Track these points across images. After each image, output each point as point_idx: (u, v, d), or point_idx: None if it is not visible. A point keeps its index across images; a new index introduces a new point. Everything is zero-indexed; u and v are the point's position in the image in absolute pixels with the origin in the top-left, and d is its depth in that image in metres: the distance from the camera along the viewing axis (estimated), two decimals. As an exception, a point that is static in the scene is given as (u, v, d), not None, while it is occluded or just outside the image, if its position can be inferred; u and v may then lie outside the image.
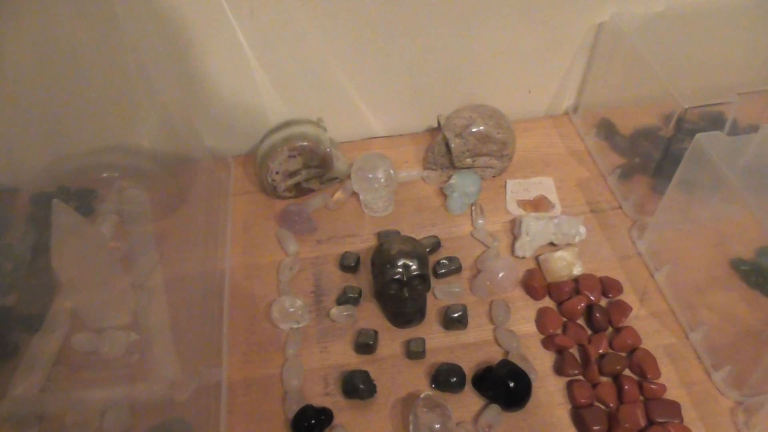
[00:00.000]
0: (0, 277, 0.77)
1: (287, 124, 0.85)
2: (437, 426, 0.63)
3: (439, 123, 0.85)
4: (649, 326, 0.73)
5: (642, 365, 0.69)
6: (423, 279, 0.73)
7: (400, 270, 0.72)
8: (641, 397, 0.68)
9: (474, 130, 0.83)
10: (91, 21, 0.73)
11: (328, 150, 0.83)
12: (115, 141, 0.86)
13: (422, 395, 0.65)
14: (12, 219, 0.84)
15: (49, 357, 0.70)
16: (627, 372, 0.70)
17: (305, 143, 0.82)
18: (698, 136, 0.67)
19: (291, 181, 0.85)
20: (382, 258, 0.73)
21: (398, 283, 0.72)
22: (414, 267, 0.72)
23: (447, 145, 0.85)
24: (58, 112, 0.81)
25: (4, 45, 0.73)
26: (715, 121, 0.75)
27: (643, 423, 0.65)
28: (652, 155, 0.80)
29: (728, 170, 0.64)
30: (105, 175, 0.87)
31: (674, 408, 0.66)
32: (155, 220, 0.84)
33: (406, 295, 0.72)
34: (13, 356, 0.70)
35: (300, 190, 0.87)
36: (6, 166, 0.84)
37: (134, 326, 0.73)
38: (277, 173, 0.83)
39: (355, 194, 0.87)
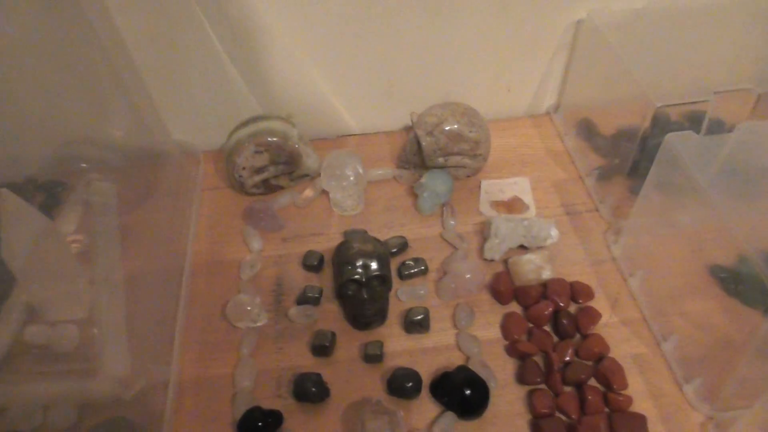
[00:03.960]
0: (-41, 269, 0.76)
1: (255, 119, 0.83)
2: (385, 433, 0.60)
3: (412, 121, 0.83)
4: (618, 334, 0.70)
5: (608, 375, 0.66)
6: (383, 280, 0.70)
7: (360, 270, 0.70)
8: (606, 409, 0.65)
9: (446, 128, 0.80)
10: (59, 13, 0.72)
11: (296, 146, 0.82)
12: (85, 133, 0.86)
13: (373, 401, 0.63)
14: (-23, 210, 0.84)
15: (0, 349, 0.69)
16: (592, 381, 0.67)
17: (272, 139, 0.81)
18: (669, 135, 0.64)
19: (258, 178, 0.83)
20: (341, 257, 0.71)
21: (357, 283, 0.70)
22: (374, 267, 0.70)
23: (419, 144, 0.82)
24: (27, 104, 0.80)
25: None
26: (697, 122, 0.72)
27: (605, 436, 0.62)
28: (631, 156, 0.77)
29: (698, 172, 0.61)
30: (83, 165, 0.87)
31: (640, 421, 0.63)
32: (121, 213, 0.83)
33: (365, 296, 0.70)
34: (-36, 348, 0.69)
35: (269, 187, 0.85)
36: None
37: (90, 321, 0.72)
38: (243, 169, 0.82)
39: (325, 192, 0.85)
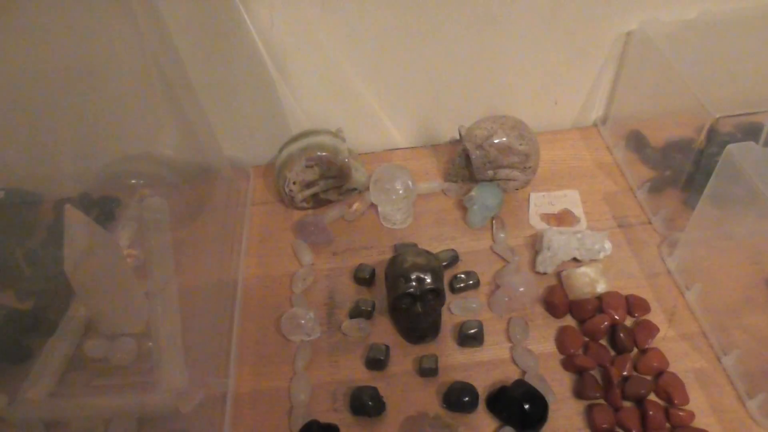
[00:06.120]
0: (19, 282, 0.78)
1: (305, 134, 0.84)
2: (445, 447, 0.60)
3: (460, 134, 0.83)
4: (677, 348, 0.69)
5: (669, 390, 0.65)
6: (437, 293, 0.70)
7: (414, 284, 0.69)
8: (667, 425, 0.64)
9: (495, 141, 0.80)
10: (115, 33, 0.74)
11: (346, 160, 0.82)
12: (139, 150, 0.88)
13: (431, 415, 0.63)
14: (36, 225, 0.86)
15: (60, 362, 0.70)
16: (652, 397, 0.66)
17: (322, 153, 0.81)
18: (729, 146, 0.63)
19: (308, 192, 0.84)
20: (395, 271, 0.71)
21: (411, 297, 0.69)
22: (428, 281, 0.70)
23: (467, 157, 0.82)
24: (84, 121, 0.82)
25: (34, 56, 0.75)
26: (752, 133, 0.71)
27: (668, 452, 0.61)
28: (684, 168, 0.76)
29: (762, 183, 0.60)
30: (133, 181, 0.88)
31: (703, 437, 0.62)
32: (174, 228, 0.84)
33: (419, 309, 0.69)
34: (26, 361, 0.71)
35: (318, 201, 0.86)
36: (31, 173, 0.86)
37: (147, 334, 0.73)
38: (294, 183, 0.83)
39: (373, 206, 0.85)
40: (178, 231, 0.84)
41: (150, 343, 0.72)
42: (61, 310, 0.75)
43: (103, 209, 0.87)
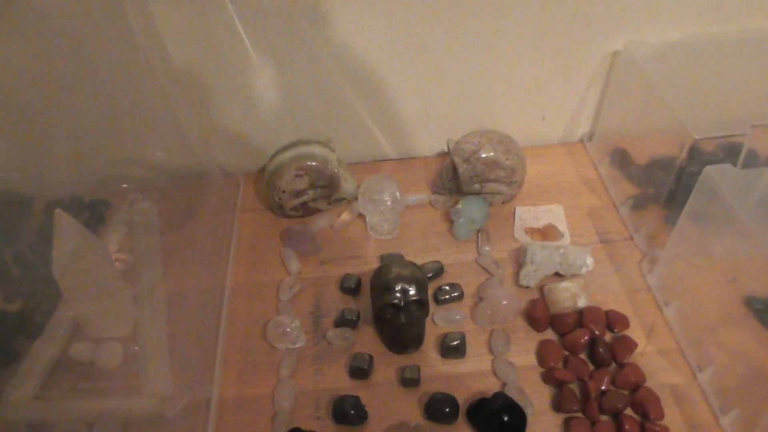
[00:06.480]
0: (7, 283, 0.79)
1: (296, 143, 0.85)
2: (424, 457, 0.61)
3: (448, 147, 0.84)
4: (655, 364, 0.71)
5: (645, 404, 0.66)
6: (421, 305, 0.71)
7: (398, 295, 0.70)
8: (643, 439, 0.65)
9: (482, 155, 0.82)
10: (110, 38, 0.75)
11: (336, 171, 0.83)
12: (132, 154, 0.88)
13: (412, 425, 0.64)
14: (25, 227, 0.86)
15: (46, 365, 0.71)
16: (629, 411, 0.67)
17: (313, 163, 0.82)
18: (707, 168, 0.65)
19: (298, 201, 0.85)
20: (380, 282, 0.72)
21: (395, 308, 0.71)
22: (412, 292, 0.71)
23: (455, 170, 0.84)
24: (77, 124, 0.83)
25: (28, 58, 0.75)
26: (732, 153, 0.73)
27: (642, 466, 0.62)
28: (666, 186, 0.77)
29: (737, 205, 0.62)
30: (124, 186, 0.89)
31: (678, 452, 0.64)
32: (163, 233, 0.85)
33: (403, 320, 0.71)
34: (12, 362, 0.71)
35: (307, 210, 0.87)
36: (23, 175, 0.87)
37: (133, 338, 0.73)
38: (284, 192, 0.84)
39: (361, 216, 0.86)
40: (168, 236, 0.85)
41: (136, 348, 0.73)
42: (48, 313, 0.75)
43: (94, 212, 0.88)
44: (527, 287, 0.78)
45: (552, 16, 0.80)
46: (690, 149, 0.71)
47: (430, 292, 0.77)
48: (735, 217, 0.62)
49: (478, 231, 0.84)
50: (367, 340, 0.74)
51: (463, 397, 0.68)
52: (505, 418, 0.64)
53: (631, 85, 0.84)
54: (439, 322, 0.75)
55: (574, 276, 0.78)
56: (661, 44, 0.81)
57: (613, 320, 0.74)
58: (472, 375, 0.71)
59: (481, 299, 0.76)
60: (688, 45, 0.81)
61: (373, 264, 0.82)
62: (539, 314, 0.74)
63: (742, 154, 0.70)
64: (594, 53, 0.86)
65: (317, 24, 0.79)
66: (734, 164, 0.70)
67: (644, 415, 0.66)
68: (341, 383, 0.71)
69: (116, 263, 0.79)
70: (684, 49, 0.81)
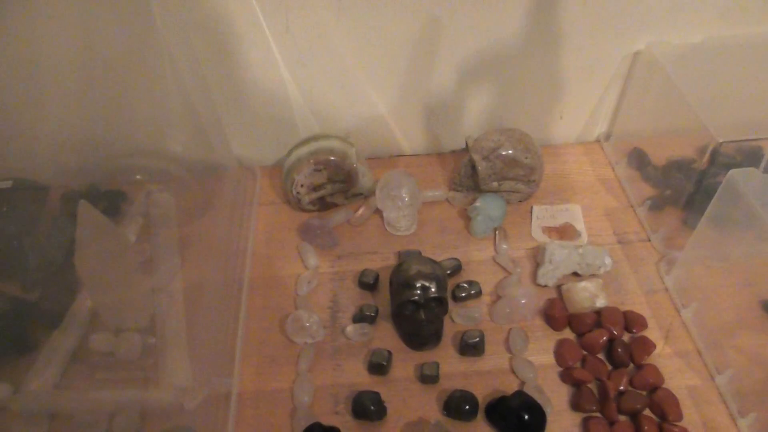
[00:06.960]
0: (25, 272, 0.78)
1: (315, 137, 0.85)
2: (445, 454, 0.61)
3: (467, 144, 0.84)
4: (672, 365, 0.71)
5: (663, 406, 0.67)
6: (440, 302, 0.72)
7: (418, 292, 0.71)
8: (661, 440, 0.66)
9: (502, 153, 0.82)
10: (130, 28, 0.75)
11: (354, 165, 0.83)
12: (148, 145, 0.88)
13: (432, 422, 0.64)
14: (42, 216, 0.86)
15: (65, 355, 0.71)
16: (647, 412, 0.67)
17: (331, 158, 0.82)
18: (732, 171, 0.65)
19: (315, 195, 0.85)
20: (400, 278, 0.72)
21: (415, 304, 0.71)
22: (432, 289, 0.71)
23: (473, 167, 0.84)
24: (94, 114, 0.83)
25: (46, 48, 0.75)
26: (752, 157, 0.73)
27: (660, 466, 0.63)
28: (685, 188, 0.78)
29: (762, 209, 0.62)
30: (138, 177, 0.89)
31: (695, 453, 0.64)
32: (180, 225, 0.85)
33: (423, 317, 0.71)
34: (31, 352, 0.71)
35: (324, 204, 0.87)
36: (40, 164, 0.86)
37: (151, 330, 0.74)
38: (302, 186, 0.84)
39: (378, 211, 0.86)
40: (185, 227, 0.85)
41: (154, 339, 0.73)
42: (66, 302, 0.75)
43: (110, 203, 0.87)
44: (545, 286, 0.78)
45: (575, 15, 0.80)
46: (712, 152, 0.71)
47: (448, 289, 0.77)
48: (759, 220, 0.62)
49: (496, 229, 0.84)
50: (385, 336, 0.74)
51: (482, 395, 0.69)
52: (525, 417, 0.64)
53: (651, 86, 0.83)
54: (457, 319, 0.75)
55: (592, 276, 0.78)
56: (684, 45, 0.81)
57: (631, 321, 0.74)
58: (490, 373, 0.71)
59: (499, 297, 0.77)
60: (711, 47, 0.81)
61: (391, 260, 0.82)
62: (557, 313, 0.74)
63: (765, 158, 0.70)
64: (615, 53, 0.85)
65: (339, 18, 0.79)
66: (756, 168, 0.70)
67: (662, 416, 0.66)
68: (360, 378, 0.71)
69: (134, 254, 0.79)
70: (706, 51, 0.81)
